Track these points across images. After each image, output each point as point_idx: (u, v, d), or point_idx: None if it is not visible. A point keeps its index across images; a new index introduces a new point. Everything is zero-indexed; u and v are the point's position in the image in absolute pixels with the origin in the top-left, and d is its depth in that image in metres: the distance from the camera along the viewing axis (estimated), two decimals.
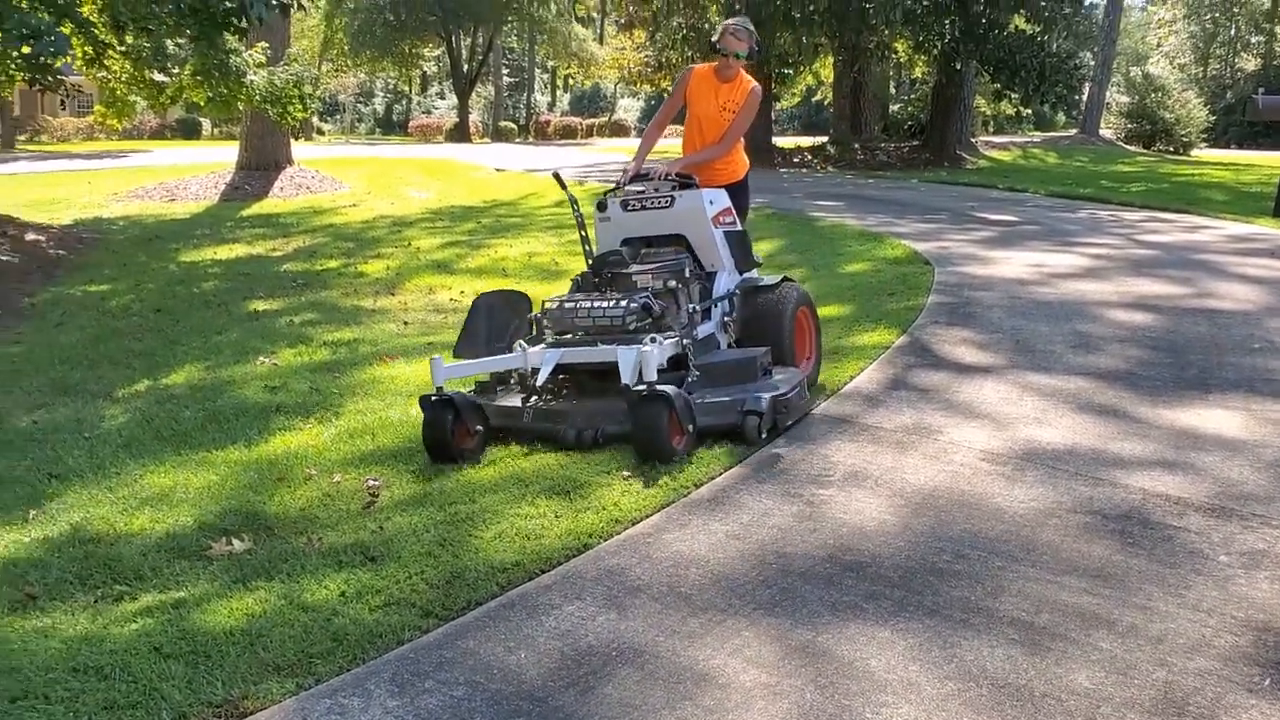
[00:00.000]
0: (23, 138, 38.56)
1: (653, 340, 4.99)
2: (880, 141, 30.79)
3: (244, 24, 10.95)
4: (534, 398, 5.27)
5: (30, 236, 13.16)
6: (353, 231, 14.38)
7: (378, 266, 11.29)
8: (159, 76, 14.55)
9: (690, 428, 4.78)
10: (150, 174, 22.53)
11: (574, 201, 6.12)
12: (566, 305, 5.35)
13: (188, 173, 21.65)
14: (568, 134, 52.34)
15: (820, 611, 3.39)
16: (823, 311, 7.90)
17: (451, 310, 8.91)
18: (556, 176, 6.49)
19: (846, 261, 10.67)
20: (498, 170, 25.72)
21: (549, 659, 3.13)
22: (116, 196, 18.89)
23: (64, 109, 41.35)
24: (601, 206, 5.88)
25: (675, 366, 5.20)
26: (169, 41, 12.61)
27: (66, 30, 9.79)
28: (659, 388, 4.67)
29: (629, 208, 5.80)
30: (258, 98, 15.02)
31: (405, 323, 8.53)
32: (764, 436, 4.94)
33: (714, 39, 6.10)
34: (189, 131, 44.27)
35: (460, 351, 5.57)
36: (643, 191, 5.86)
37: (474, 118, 58.50)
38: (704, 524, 4.15)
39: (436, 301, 9.42)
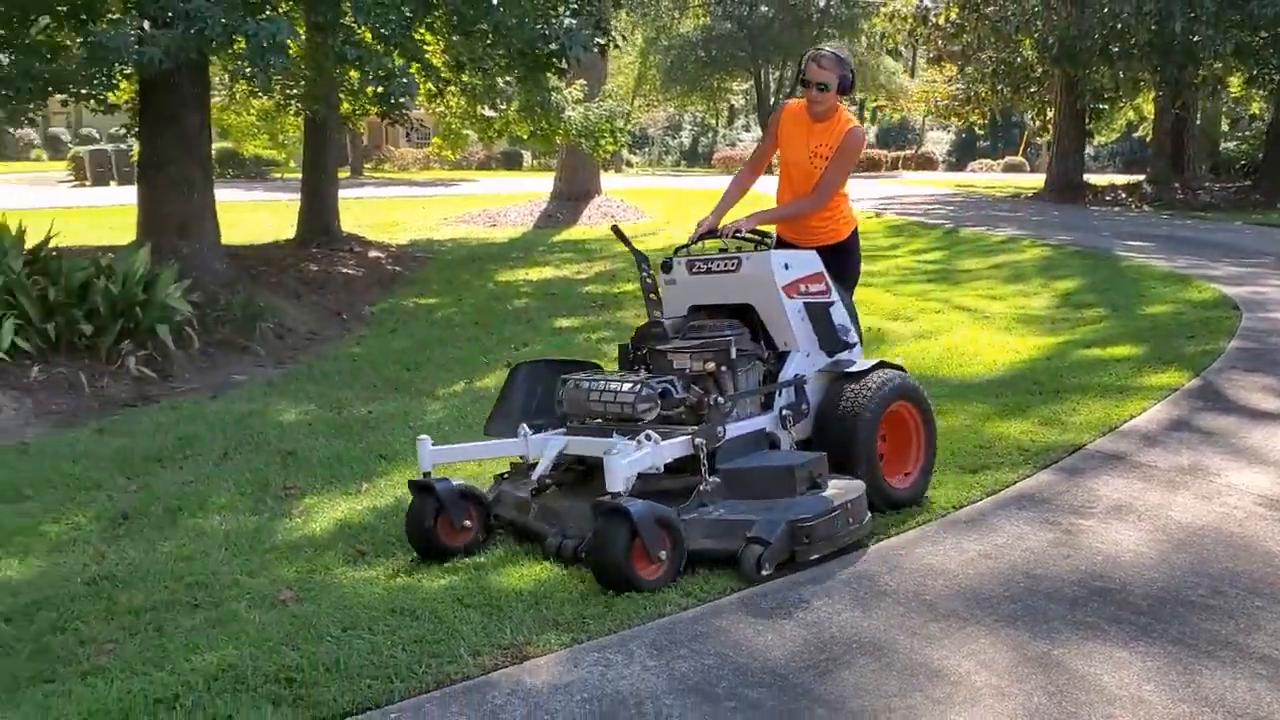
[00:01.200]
0: (369, 166, 42.65)
1: (647, 438, 4.12)
2: (1204, 181, 28.91)
3: (564, 64, 11.90)
4: (543, 491, 4.57)
5: (373, 254, 14.76)
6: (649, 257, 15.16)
7: None
8: (489, 112, 15.96)
9: (663, 554, 3.86)
10: (476, 201, 24.50)
11: (641, 260, 5.17)
12: (583, 385, 4.57)
13: (508, 201, 23.39)
14: (872, 166, 52.18)
15: (1060, 628, 3.51)
16: (1113, 351, 7.77)
17: None
18: (616, 230, 5.72)
19: (1147, 303, 10.29)
20: None
21: (793, 643, 3.43)
22: (446, 221, 20.71)
23: (407, 140, 45.38)
24: (667, 268, 4.97)
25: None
26: (499, 80, 13.84)
27: (414, 71, 11.03)
28: (623, 502, 3.82)
29: (694, 270, 4.88)
30: (574, 132, 16.16)
31: None
32: (766, 573, 3.91)
33: (800, 70, 5.12)
34: (511, 163, 47.44)
35: (490, 428, 4.92)
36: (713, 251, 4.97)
37: None
38: (957, 542, 4.32)
39: None
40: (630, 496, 3.90)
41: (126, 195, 23.33)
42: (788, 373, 4.67)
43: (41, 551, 4.79)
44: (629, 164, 54.60)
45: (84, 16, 8.85)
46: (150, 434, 6.72)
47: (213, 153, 11.32)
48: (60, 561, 4.63)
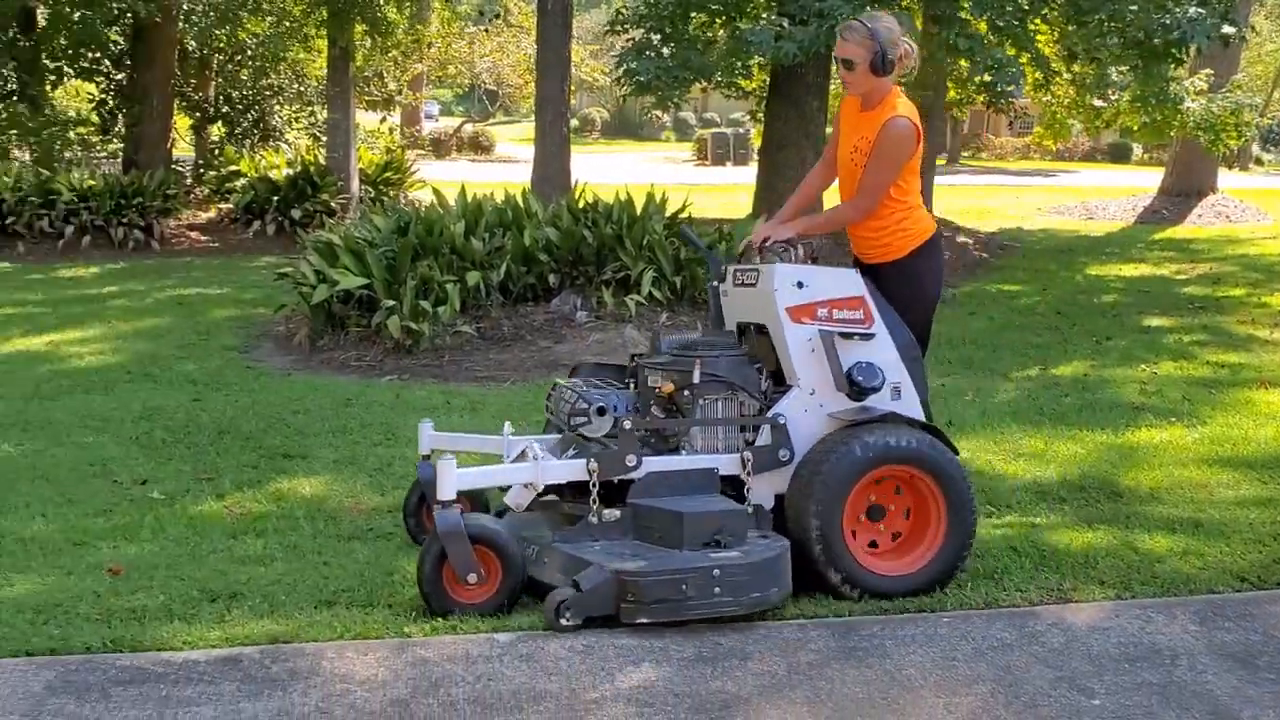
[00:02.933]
0: (966, 154, 42.72)
1: (533, 456, 3.85)
2: None
3: (1183, 55, 11.41)
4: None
5: (960, 239, 15.13)
6: (1266, 263, 13.97)
7: None
8: (1098, 102, 15.58)
9: (473, 578, 3.58)
10: (1073, 193, 23.80)
11: (714, 265, 4.50)
12: (556, 392, 4.27)
13: (1108, 195, 22.47)
14: None
15: None
16: None
17: None
18: (683, 232, 5.25)
19: None
20: None
21: None
22: (1039, 211, 20.44)
23: (1009, 129, 44.80)
24: (722, 277, 4.38)
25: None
26: (1112, 70, 13.52)
27: (1024, 61, 11.23)
28: (439, 514, 3.61)
29: (736, 282, 4.26)
30: (1191, 124, 15.26)
31: None
32: (566, 622, 3.50)
33: None
34: (1118, 156, 44.93)
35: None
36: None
37: None
38: None
39: None
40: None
41: (739, 175, 25.74)
42: (776, 410, 3.93)
43: None
44: (1259, 162, 49.25)
45: (733, 15, 10.17)
46: None
47: (824, 136, 12.35)
48: None
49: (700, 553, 3.59)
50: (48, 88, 16.88)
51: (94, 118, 17.36)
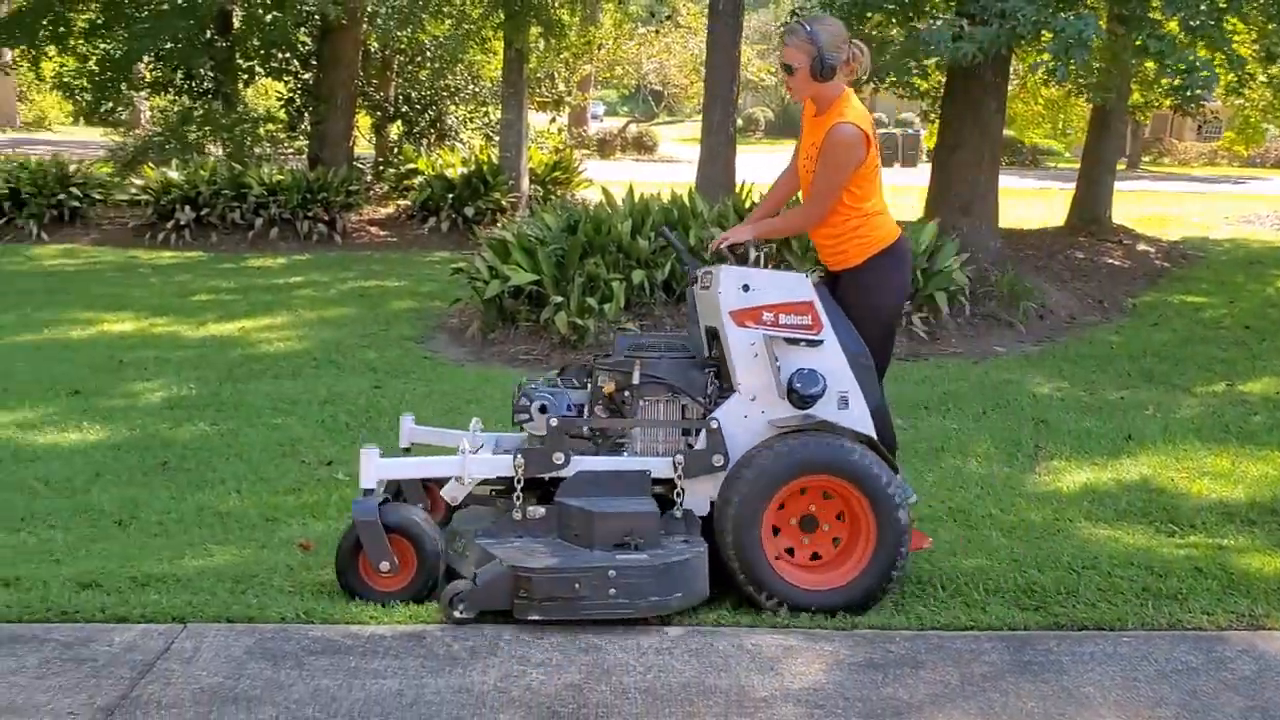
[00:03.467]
0: (1147, 159, 40.91)
1: (462, 450, 3.88)
2: None
3: None
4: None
5: (1140, 247, 14.52)
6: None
7: None
8: None
9: (386, 566, 3.68)
10: (1266, 201, 22.54)
11: (692, 268, 4.29)
12: (516, 389, 4.20)
13: None
14: None
15: None
16: None
17: None
18: (663, 231, 5.13)
19: None
20: None
21: None
22: (1227, 220, 19.43)
23: (1197, 134, 42.73)
24: (694, 279, 4.24)
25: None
26: None
27: (1217, 63, 10.70)
28: (357, 501, 3.73)
29: (701, 285, 4.15)
30: None
31: None
32: (459, 615, 3.53)
33: None
34: None
35: None
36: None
37: None
38: None
39: None
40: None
41: (908, 176, 25.25)
42: (715, 414, 3.84)
43: None
44: None
45: (910, 15, 10.01)
46: (918, 384, 7.63)
47: (1000, 139, 12.03)
48: None
49: (607, 553, 3.60)
50: (240, 86, 17.82)
51: (282, 115, 18.24)
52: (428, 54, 19.12)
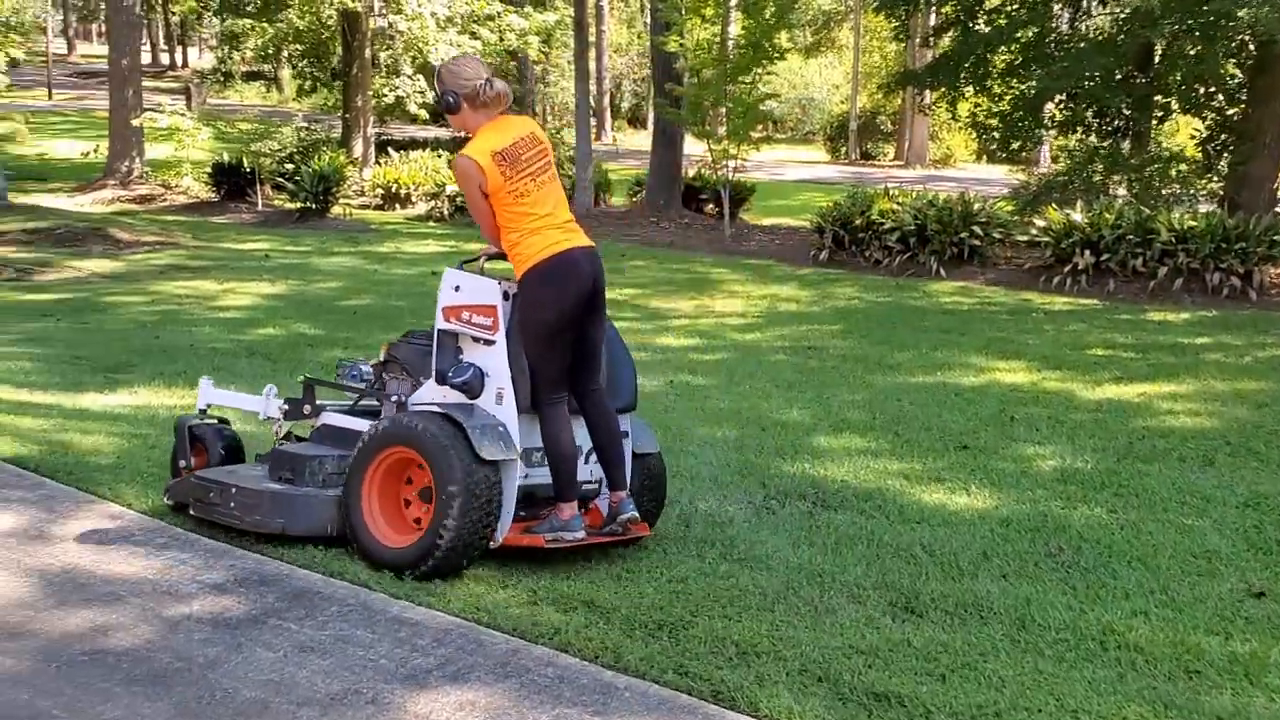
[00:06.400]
0: None
1: (265, 395, 5.24)
2: None
3: None
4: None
5: None
6: None
7: None
8: None
9: (183, 463, 5.08)
10: None
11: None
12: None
13: None
14: None
15: None
16: None
17: None
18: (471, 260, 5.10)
19: None
20: None
21: None
22: None
23: None
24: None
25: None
26: None
27: None
28: (183, 415, 5.52)
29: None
30: None
31: None
32: (167, 501, 5.11)
33: None
34: None
35: None
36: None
37: None
38: None
39: None
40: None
41: None
42: (410, 396, 4.70)
43: None
44: None
45: None
46: None
47: None
48: None
49: (261, 477, 4.78)
50: (1154, 123, 16.68)
51: (1196, 154, 16.69)
52: None
